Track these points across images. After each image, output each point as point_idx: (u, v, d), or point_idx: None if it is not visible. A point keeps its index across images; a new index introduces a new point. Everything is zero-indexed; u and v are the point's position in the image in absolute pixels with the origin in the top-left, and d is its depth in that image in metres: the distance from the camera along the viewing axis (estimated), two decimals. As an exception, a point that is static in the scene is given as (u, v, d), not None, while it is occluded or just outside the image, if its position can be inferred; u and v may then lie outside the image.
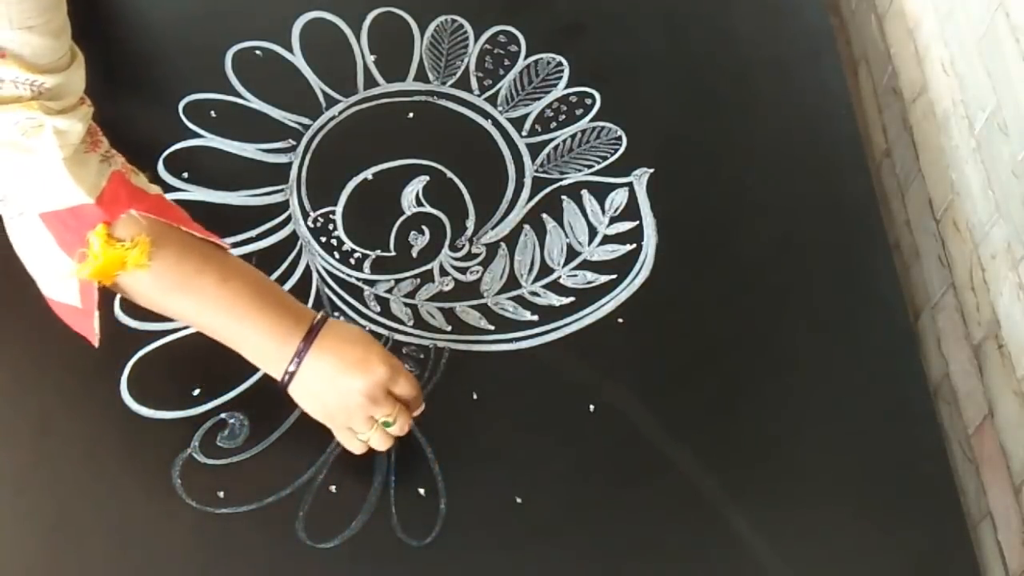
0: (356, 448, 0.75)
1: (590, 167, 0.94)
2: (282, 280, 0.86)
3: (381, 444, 0.74)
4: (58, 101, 0.63)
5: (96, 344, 0.71)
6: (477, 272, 0.88)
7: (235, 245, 0.86)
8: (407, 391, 0.74)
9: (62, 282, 0.69)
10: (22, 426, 0.78)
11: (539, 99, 0.99)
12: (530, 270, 0.88)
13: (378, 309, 0.85)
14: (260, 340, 0.71)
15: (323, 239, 0.89)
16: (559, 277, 0.88)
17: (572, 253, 0.89)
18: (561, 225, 0.91)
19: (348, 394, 0.71)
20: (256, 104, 0.96)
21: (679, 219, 0.91)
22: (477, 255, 0.89)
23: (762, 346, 0.85)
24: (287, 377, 0.72)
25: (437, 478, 0.77)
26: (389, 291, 0.86)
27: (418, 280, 0.87)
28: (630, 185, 0.93)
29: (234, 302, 0.71)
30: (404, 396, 0.74)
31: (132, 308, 0.83)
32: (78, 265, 0.66)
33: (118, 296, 0.83)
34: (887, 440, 0.81)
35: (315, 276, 0.87)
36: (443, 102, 0.98)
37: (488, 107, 0.98)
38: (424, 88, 0.99)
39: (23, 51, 0.59)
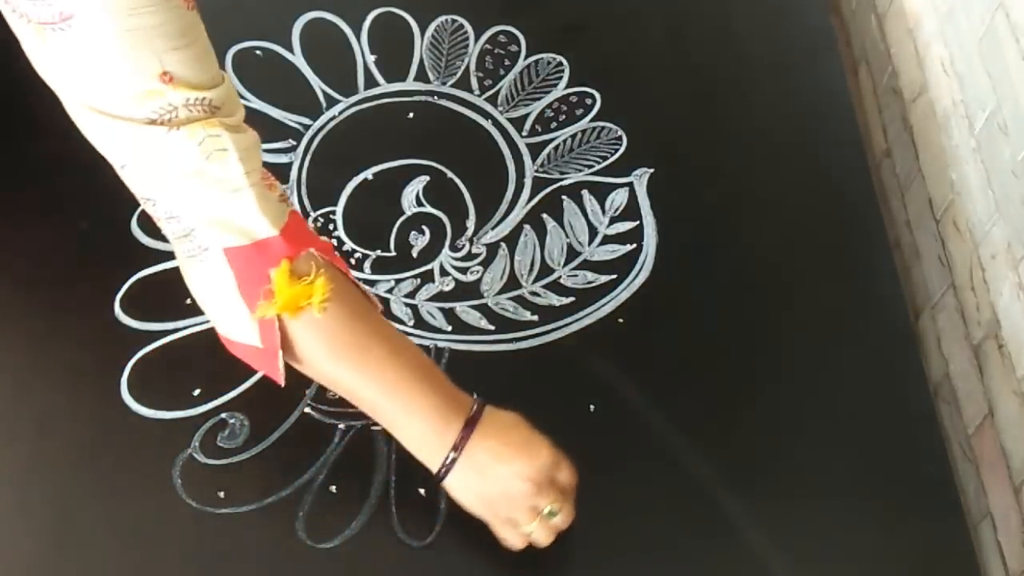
0: (518, 544, 0.71)
1: (590, 167, 0.94)
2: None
3: (545, 538, 0.71)
4: (231, 117, 0.62)
5: (282, 383, 0.68)
6: (477, 272, 0.88)
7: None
8: (570, 479, 0.71)
9: (242, 323, 0.65)
10: (22, 426, 0.78)
11: (539, 99, 0.99)
12: (530, 270, 0.88)
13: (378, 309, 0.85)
14: (420, 426, 0.68)
15: (323, 239, 0.89)
16: (559, 277, 0.88)
17: (572, 253, 0.89)
18: (561, 225, 0.91)
19: (512, 480, 0.68)
20: (256, 104, 0.96)
21: (679, 219, 0.92)
22: (477, 255, 0.89)
23: (762, 346, 0.85)
24: (444, 470, 0.68)
25: (437, 478, 0.77)
26: (389, 291, 0.86)
27: (418, 280, 0.87)
28: (630, 185, 0.93)
29: (400, 379, 0.67)
30: (566, 485, 0.71)
31: (132, 308, 0.83)
32: (261, 302, 0.63)
33: (118, 296, 0.84)
34: (887, 440, 0.81)
35: (315, 276, 0.87)
36: (443, 102, 0.98)
37: (488, 107, 0.98)
38: (424, 88, 0.99)
39: (185, 72, 0.58)
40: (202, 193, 0.61)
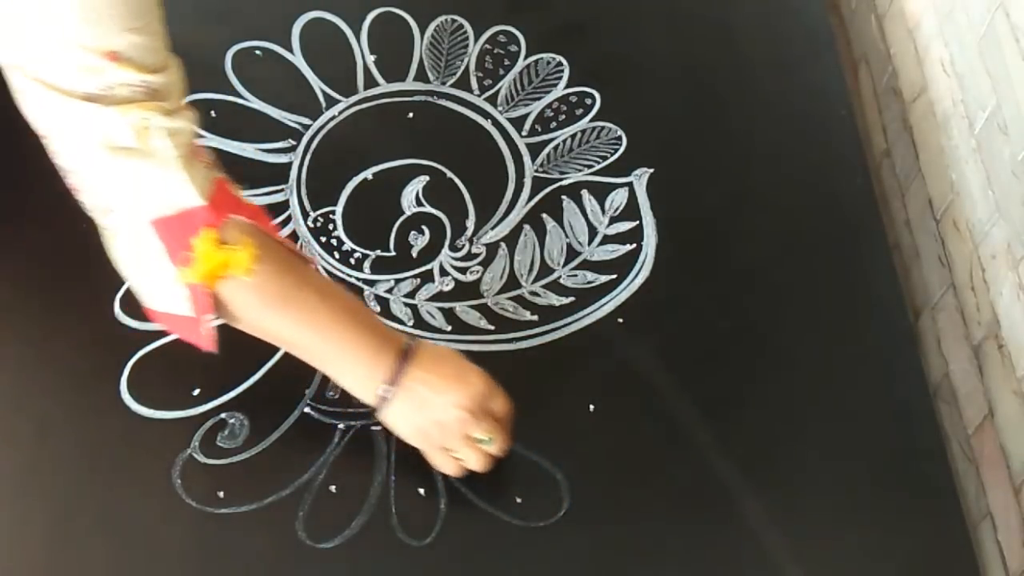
0: (451, 469, 0.74)
1: (590, 167, 0.94)
2: (282, 280, 0.86)
3: (479, 464, 0.73)
4: (168, 102, 0.63)
5: (215, 350, 0.70)
6: (477, 272, 0.88)
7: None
8: (504, 408, 0.73)
9: (170, 291, 0.67)
10: (22, 426, 0.78)
11: (539, 99, 0.99)
12: (530, 270, 0.88)
13: (378, 309, 0.85)
14: (354, 362, 0.71)
15: (323, 239, 0.89)
16: (559, 277, 0.88)
17: (572, 253, 0.89)
18: (561, 225, 0.91)
19: (445, 409, 0.71)
20: (256, 104, 0.96)
21: (679, 219, 0.92)
22: (477, 255, 0.89)
23: (762, 346, 0.85)
24: (380, 400, 0.71)
25: (437, 478, 0.77)
26: (389, 291, 0.86)
27: (418, 280, 0.87)
28: (630, 185, 0.93)
29: (332, 321, 0.70)
30: (499, 414, 0.73)
31: (132, 308, 0.83)
32: (182, 269, 0.65)
33: (118, 296, 0.83)
34: (887, 440, 0.81)
35: (315, 276, 0.87)
36: (443, 102, 0.98)
37: (488, 107, 0.98)
38: (424, 88, 0.99)
39: (132, 53, 0.60)
40: (126, 166, 0.63)
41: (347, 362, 0.71)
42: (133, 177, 0.63)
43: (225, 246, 0.66)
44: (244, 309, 0.69)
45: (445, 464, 0.74)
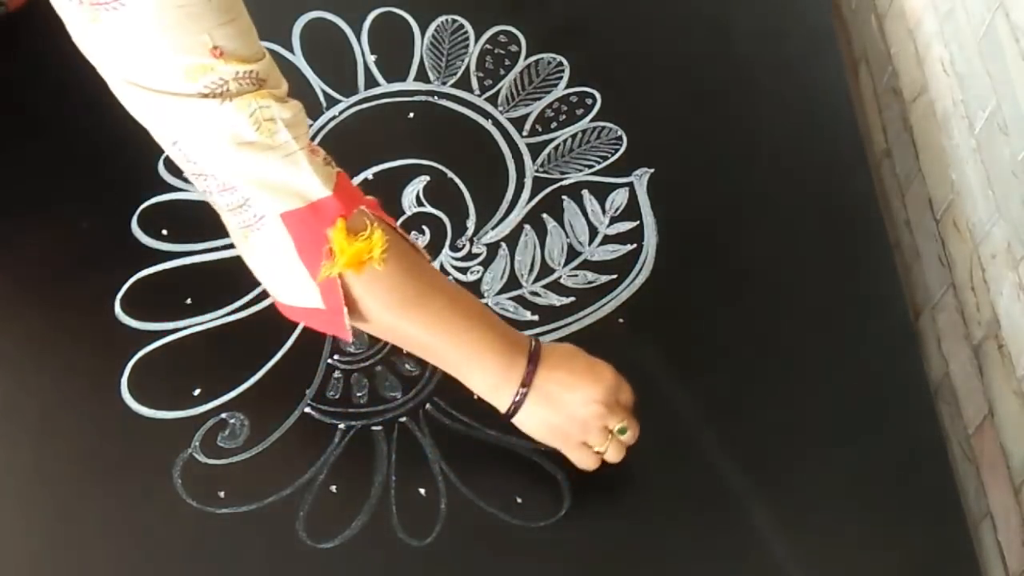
0: (591, 463, 0.74)
1: (590, 167, 0.94)
2: (282, 280, 0.86)
3: (617, 455, 0.74)
4: (277, 88, 0.63)
5: (350, 339, 0.69)
6: (477, 272, 0.88)
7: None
8: (631, 397, 0.74)
9: (303, 287, 0.67)
10: (22, 426, 0.78)
11: (539, 99, 0.99)
12: (530, 270, 0.88)
13: (378, 309, 0.85)
14: (487, 369, 0.71)
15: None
16: (559, 277, 0.88)
17: (572, 253, 0.89)
18: (561, 225, 0.91)
19: (582, 406, 0.71)
20: (256, 104, 0.96)
21: (679, 219, 0.91)
22: (477, 255, 0.89)
23: (762, 346, 0.85)
24: (513, 407, 0.71)
25: (437, 478, 0.77)
26: (389, 291, 0.86)
27: (418, 280, 0.87)
28: (630, 185, 0.93)
29: (462, 327, 0.70)
30: (628, 403, 0.74)
31: (132, 308, 0.83)
32: (324, 262, 0.65)
33: (118, 296, 0.83)
34: (887, 440, 0.81)
35: (315, 276, 0.87)
36: (443, 102, 0.98)
37: (488, 107, 0.98)
38: (424, 88, 0.99)
39: (234, 46, 0.60)
40: (255, 161, 0.62)
41: (479, 367, 0.71)
42: (261, 171, 0.63)
43: (358, 236, 0.65)
44: (376, 309, 0.68)
45: (585, 459, 0.74)
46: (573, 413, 0.72)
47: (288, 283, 0.68)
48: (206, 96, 0.59)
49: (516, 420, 0.73)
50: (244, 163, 0.62)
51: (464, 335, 0.70)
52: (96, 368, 0.81)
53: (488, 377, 0.71)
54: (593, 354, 0.76)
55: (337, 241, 0.64)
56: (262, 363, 0.81)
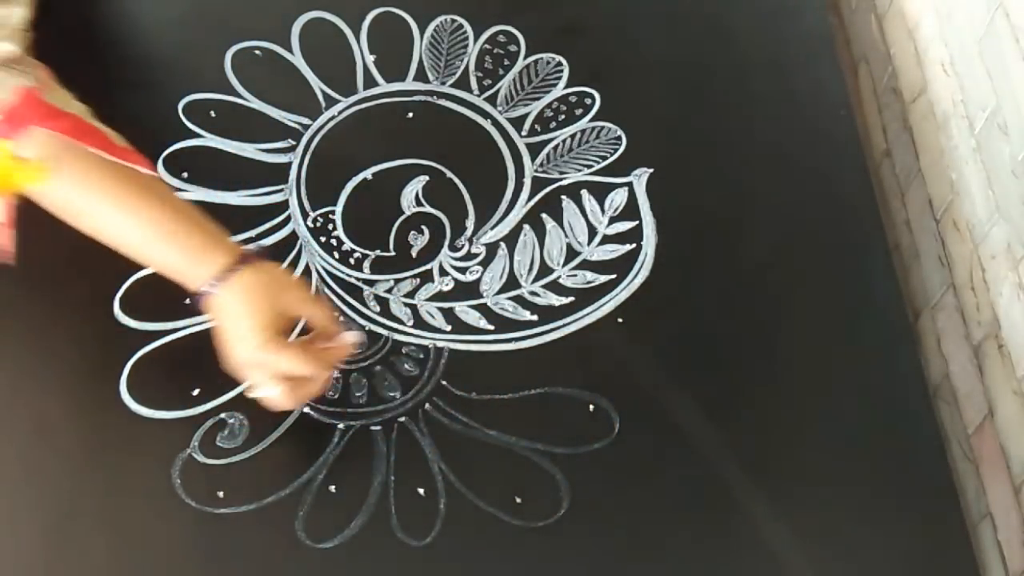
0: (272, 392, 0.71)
1: (590, 167, 0.94)
2: (282, 280, 0.85)
3: (277, 401, 0.71)
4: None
5: (11, 259, 0.71)
6: (477, 272, 0.88)
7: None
8: (294, 368, 0.70)
9: None
10: (22, 426, 0.78)
11: (539, 99, 0.99)
12: (530, 270, 0.88)
13: (378, 309, 0.85)
14: (180, 256, 0.71)
15: (323, 239, 0.89)
16: (559, 277, 0.88)
17: (572, 253, 0.89)
18: (561, 225, 0.91)
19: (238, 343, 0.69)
20: (256, 104, 0.96)
21: (679, 219, 0.91)
22: (477, 255, 0.89)
23: (762, 346, 0.85)
24: (211, 286, 0.70)
25: (437, 478, 0.77)
26: (389, 291, 0.86)
27: (418, 280, 0.87)
28: (630, 185, 0.93)
29: (161, 223, 0.70)
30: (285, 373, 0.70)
31: (132, 308, 0.83)
32: None
33: (118, 296, 0.84)
34: (887, 440, 0.81)
35: (315, 276, 0.87)
36: (443, 102, 0.98)
37: (488, 107, 0.98)
38: (424, 88, 0.99)
39: None
40: None
41: (173, 256, 0.71)
42: None
43: (17, 160, 0.65)
44: (60, 215, 0.70)
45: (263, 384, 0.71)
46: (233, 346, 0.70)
47: None
48: None
49: (212, 302, 0.71)
50: None
51: (161, 232, 0.70)
52: (95, 368, 0.81)
53: (181, 263, 0.71)
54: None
55: None
56: (262, 363, 0.81)
